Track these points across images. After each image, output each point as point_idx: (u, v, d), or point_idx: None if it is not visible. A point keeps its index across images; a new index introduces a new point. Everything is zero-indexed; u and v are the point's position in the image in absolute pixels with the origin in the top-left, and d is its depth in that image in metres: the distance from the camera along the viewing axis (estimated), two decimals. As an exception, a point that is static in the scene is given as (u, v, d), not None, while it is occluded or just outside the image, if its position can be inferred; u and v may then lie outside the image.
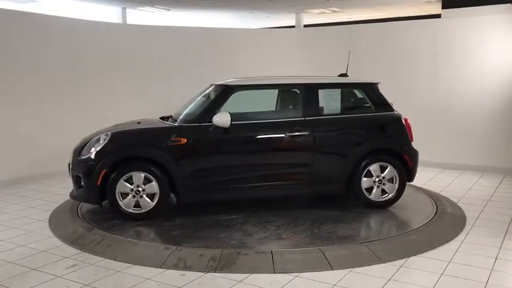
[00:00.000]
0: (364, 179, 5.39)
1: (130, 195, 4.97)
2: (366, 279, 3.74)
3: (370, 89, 5.68)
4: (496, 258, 4.16)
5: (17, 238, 4.72)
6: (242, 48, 9.56)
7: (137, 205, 5.01)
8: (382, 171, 5.42)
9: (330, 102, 5.60)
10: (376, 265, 3.99)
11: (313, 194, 5.77)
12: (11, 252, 4.34)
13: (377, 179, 5.42)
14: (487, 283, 3.66)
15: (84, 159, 5.08)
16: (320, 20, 12.51)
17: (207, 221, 5.05)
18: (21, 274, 3.87)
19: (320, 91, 5.50)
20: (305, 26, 11.35)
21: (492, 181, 7.17)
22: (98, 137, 5.18)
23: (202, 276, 3.80)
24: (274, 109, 6.03)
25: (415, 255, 4.20)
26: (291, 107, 5.79)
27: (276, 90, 5.94)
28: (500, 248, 4.38)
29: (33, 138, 7.39)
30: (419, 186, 6.67)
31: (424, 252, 4.27)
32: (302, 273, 3.84)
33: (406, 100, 8.35)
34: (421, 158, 7.88)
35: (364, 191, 5.41)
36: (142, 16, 11.35)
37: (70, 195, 5.41)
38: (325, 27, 10.45)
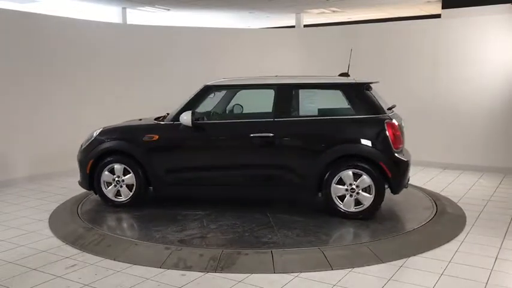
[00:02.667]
0: (336, 186, 5.00)
1: (112, 184, 5.50)
2: (366, 279, 3.74)
3: (352, 89, 5.23)
4: (496, 258, 4.16)
5: (17, 238, 4.72)
6: (242, 48, 9.56)
7: (119, 194, 5.52)
8: (357, 179, 4.95)
9: (306, 104, 5.43)
10: (376, 265, 3.99)
11: (281, 198, 5.57)
12: (11, 252, 4.34)
13: (349, 187, 4.98)
14: (487, 283, 3.66)
15: (81, 149, 5.73)
16: (320, 20, 12.51)
17: (166, 214, 5.26)
18: (21, 274, 3.87)
19: (296, 92, 5.31)
20: (305, 26, 11.35)
21: (492, 181, 7.17)
22: (93, 131, 5.74)
23: (202, 276, 3.80)
24: (252, 109, 6.04)
25: (415, 255, 4.20)
26: (266, 107, 5.65)
27: (262, 91, 5.77)
28: (500, 248, 4.38)
29: (33, 138, 7.39)
30: (419, 186, 6.67)
31: (424, 252, 4.27)
32: (302, 273, 3.84)
33: (406, 100, 8.35)
34: (421, 158, 7.91)
35: (336, 199, 5.02)
36: (142, 16, 11.35)
37: (78, 182, 5.87)
38: (325, 27, 10.45)
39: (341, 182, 4.99)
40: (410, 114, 8.11)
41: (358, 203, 4.98)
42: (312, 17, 11.73)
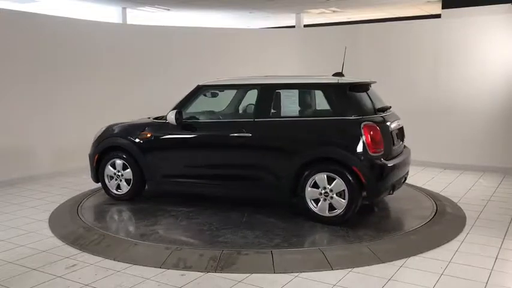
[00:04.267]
0: (311, 189, 4.87)
1: (114, 178, 5.82)
2: (366, 279, 3.74)
3: (333, 90, 5.07)
4: (496, 258, 4.16)
5: (17, 238, 4.72)
6: (242, 48, 9.56)
7: (119, 187, 5.83)
8: (331, 183, 4.80)
9: (287, 104, 5.37)
10: (376, 265, 3.99)
11: (258, 198, 5.51)
12: (11, 252, 4.34)
13: (323, 191, 4.84)
14: (487, 283, 3.66)
15: (92, 144, 6.05)
16: (320, 20, 12.49)
17: (151, 209, 5.51)
18: (21, 274, 3.87)
19: (277, 92, 5.24)
20: (305, 26, 11.34)
21: (492, 181, 7.17)
22: (101, 127, 6.08)
23: (202, 276, 3.80)
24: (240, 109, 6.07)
25: (415, 255, 4.20)
26: (251, 107, 5.71)
27: (251, 91, 5.77)
28: (500, 248, 4.38)
29: (32, 138, 7.39)
30: (419, 186, 6.66)
31: (424, 252, 4.27)
32: (302, 273, 3.84)
33: (406, 100, 8.36)
34: (421, 158, 7.90)
35: (311, 202, 4.90)
36: (142, 16, 11.34)
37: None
38: (325, 27, 10.45)
39: (316, 185, 4.86)
40: (410, 114, 8.11)
41: (333, 207, 4.81)
42: (312, 17, 11.72)
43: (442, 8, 9.03)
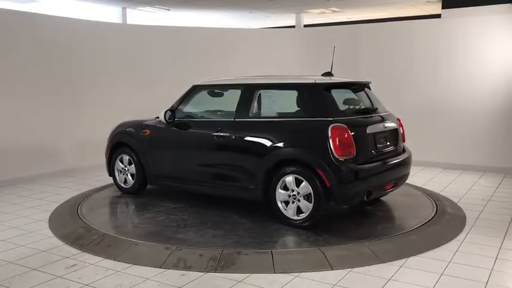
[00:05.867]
0: (281, 191, 4.79)
1: (122, 172, 6.17)
2: (366, 279, 3.74)
3: (306, 90, 4.98)
4: (496, 258, 4.16)
5: (17, 238, 4.72)
6: (242, 48, 9.56)
7: (126, 181, 6.16)
8: (299, 185, 4.69)
9: (266, 105, 5.37)
10: (376, 265, 3.99)
11: (236, 198, 5.44)
12: (11, 252, 4.34)
13: (292, 194, 4.74)
14: (487, 283, 3.66)
15: (107, 140, 6.36)
16: (320, 20, 12.50)
17: (144, 204, 5.76)
18: (21, 274, 3.87)
19: (257, 92, 5.22)
20: (305, 26, 11.35)
21: (492, 181, 7.17)
22: (115, 124, 6.41)
23: (202, 276, 3.80)
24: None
25: (415, 255, 4.20)
26: (236, 107, 5.62)
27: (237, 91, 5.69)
28: (500, 248, 4.38)
29: (32, 138, 7.38)
30: (419, 186, 6.67)
31: (424, 252, 4.27)
32: (302, 273, 3.84)
33: (406, 100, 8.37)
34: (421, 158, 7.89)
35: (281, 204, 4.82)
36: (142, 16, 11.35)
37: None
38: (325, 27, 10.45)
39: (286, 187, 4.77)
40: (410, 114, 8.13)
41: (301, 211, 4.70)
42: (312, 17, 11.73)
43: (442, 8, 9.04)
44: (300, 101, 5.11)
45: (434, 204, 5.61)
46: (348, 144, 4.57)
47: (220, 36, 9.54)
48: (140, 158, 5.91)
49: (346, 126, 4.61)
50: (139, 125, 6.03)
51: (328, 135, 4.55)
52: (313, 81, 5.03)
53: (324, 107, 4.79)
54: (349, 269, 3.91)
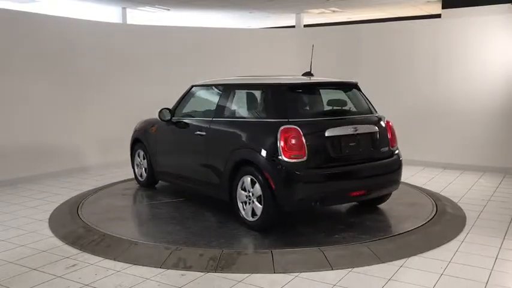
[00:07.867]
0: (241, 191, 4.77)
1: (139, 166, 6.63)
2: (366, 279, 3.74)
3: (268, 91, 4.92)
4: (496, 258, 4.16)
5: (17, 238, 4.72)
6: (242, 48, 9.56)
7: (141, 175, 6.60)
8: (253, 187, 4.63)
9: (240, 105, 5.40)
10: (376, 265, 3.99)
11: (209, 196, 5.46)
12: (11, 252, 4.34)
13: (248, 194, 4.70)
14: (487, 283, 3.66)
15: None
16: (320, 20, 12.51)
17: (149, 197, 6.16)
18: (21, 274, 3.87)
19: (233, 92, 5.30)
20: (305, 26, 11.35)
21: (492, 181, 7.17)
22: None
23: (202, 276, 3.80)
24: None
25: (415, 255, 4.20)
26: (215, 107, 5.65)
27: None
28: (500, 248, 4.38)
29: (32, 138, 7.38)
30: (419, 186, 6.67)
31: (424, 252, 4.26)
32: (302, 273, 3.84)
33: (406, 100, 8.37)
34: (421, 158, 7.89)
35: (241, 204, 4.80)
36: (142, 16, 11.35)
37: None
38: (325, 27, 10.45)
39: (245, 188, 4.74)
40: (410, 114, 8.14)
41: (255, 212, 4.64)
42: (312, 17, 11.74)
43: (442, 8, 9.05)
44: (262, 102, 5.07)
45: (435, 204, 5.61)
46: (297, 147, 4.41)
47: (220, 36, 9.54)
48: (149, 153, 6.32)
49: (298, 128, 4.46)
50: (151, 122, 6.38)
51: (277, 136, 4.44)
52: (277, 82, 4.92)
53: (283, 108, 4.68)
54: (349, 269, 3.91)
